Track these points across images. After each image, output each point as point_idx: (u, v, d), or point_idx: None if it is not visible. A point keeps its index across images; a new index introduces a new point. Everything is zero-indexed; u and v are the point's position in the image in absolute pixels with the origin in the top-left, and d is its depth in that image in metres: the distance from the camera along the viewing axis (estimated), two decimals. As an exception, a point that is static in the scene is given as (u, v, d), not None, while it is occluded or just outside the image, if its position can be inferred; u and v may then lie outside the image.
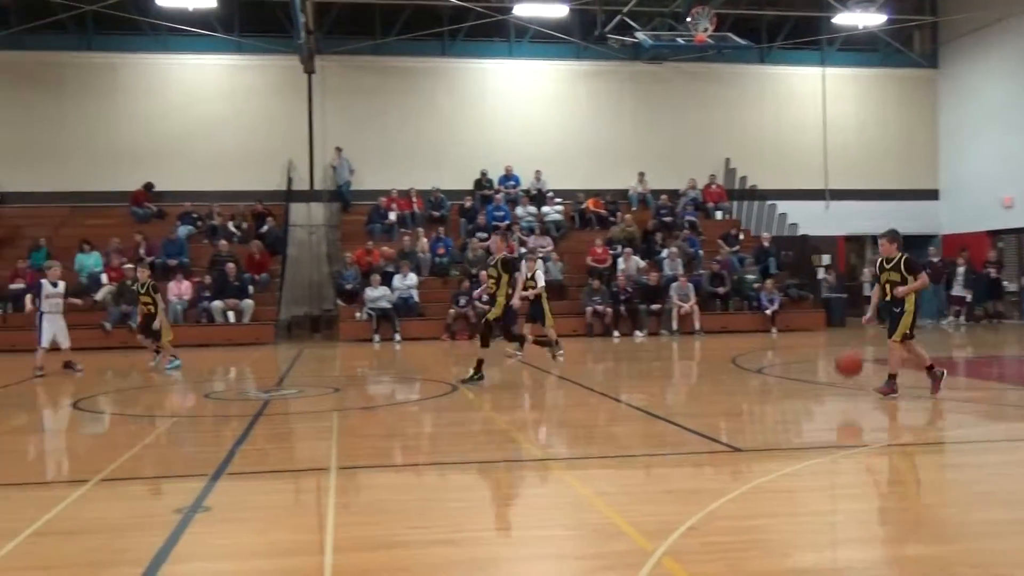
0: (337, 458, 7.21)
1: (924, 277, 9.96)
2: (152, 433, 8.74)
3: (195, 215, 23.37)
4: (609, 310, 21.26)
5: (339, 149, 24.78)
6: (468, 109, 25.95)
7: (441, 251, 22.81)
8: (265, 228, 23.18)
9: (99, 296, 20.03)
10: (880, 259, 10.13)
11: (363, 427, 9.31)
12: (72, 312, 18.15)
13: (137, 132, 24.43)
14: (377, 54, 25.45)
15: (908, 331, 9.81)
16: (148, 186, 24.05)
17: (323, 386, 12.44)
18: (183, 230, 22.63)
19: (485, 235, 23.10)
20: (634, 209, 25.73)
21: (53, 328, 14.15)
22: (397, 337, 20.58)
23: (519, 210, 24.61)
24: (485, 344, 11.99)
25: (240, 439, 8.13)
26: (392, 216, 24.05)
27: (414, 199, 24.61)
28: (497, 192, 24.99)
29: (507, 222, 23.87)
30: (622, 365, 16.24)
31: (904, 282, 9.75)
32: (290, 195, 24.81)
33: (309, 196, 25.12)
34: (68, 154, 24.05)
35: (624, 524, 5.13)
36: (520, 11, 23.71)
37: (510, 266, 11.84)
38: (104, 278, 20.46)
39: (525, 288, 13.42)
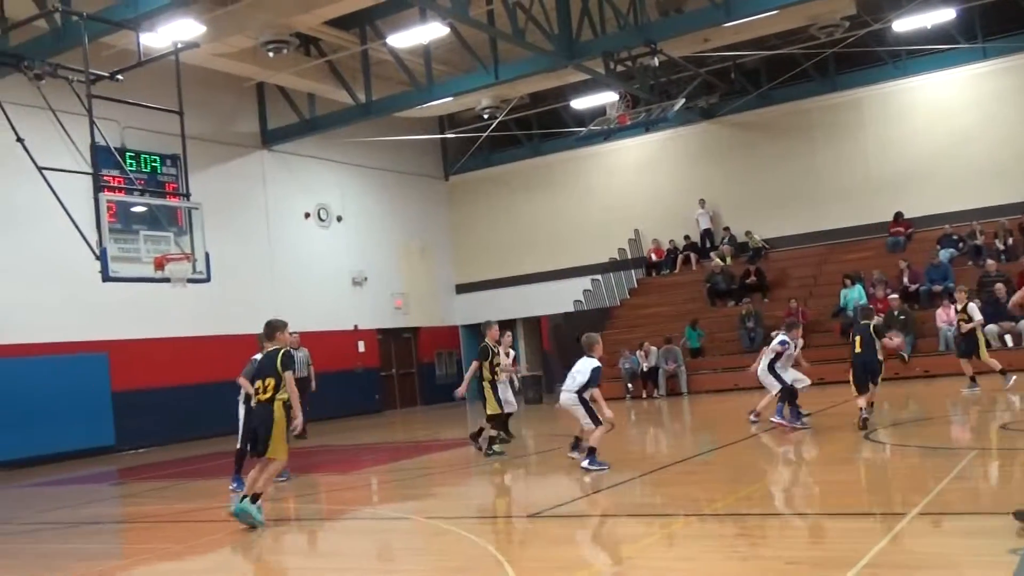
0: None
1: None
2: (955, 467, 8.44)
3: (955, 236, 22.44)
4: None
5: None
6: None
7: None
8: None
9: (868, 328, 20.30)
10: None
11: None
12: (843, 346, 18.73)
13: (885, 162, 24.51)
14: None
15: None
16: (898, 215, 23.92)
17: None
18: (944, 254, 21.87)
19: None
20: None
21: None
22: None
23: None
24: None
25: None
26: None
27: None
28: None
29: None
30: None
31: None
32: (1060, 202, 22.40)
33: (1084, 200, 22.38)
34: (822, 194, 25.14)
35: None
36: None
37: None
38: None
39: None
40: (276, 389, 8.22)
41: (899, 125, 24.52)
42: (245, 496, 8.25)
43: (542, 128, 28.90)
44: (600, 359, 10.45)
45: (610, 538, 6.95)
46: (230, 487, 11.05)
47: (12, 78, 15.92)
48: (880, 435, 11.33)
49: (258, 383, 8.37)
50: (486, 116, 25.72)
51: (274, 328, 8.58)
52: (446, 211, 30.55)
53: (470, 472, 11.80)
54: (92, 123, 13.59)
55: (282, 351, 8.38)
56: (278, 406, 8.22)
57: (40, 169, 14.09)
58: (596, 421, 10.18)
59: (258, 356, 12.13)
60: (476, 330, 14.27)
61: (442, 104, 23.83)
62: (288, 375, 8.23)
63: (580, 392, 10.16)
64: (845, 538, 6.05)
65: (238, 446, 11.15)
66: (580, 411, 10.26)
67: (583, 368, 10.25)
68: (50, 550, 8.76)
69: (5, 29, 15.63)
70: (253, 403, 8.69)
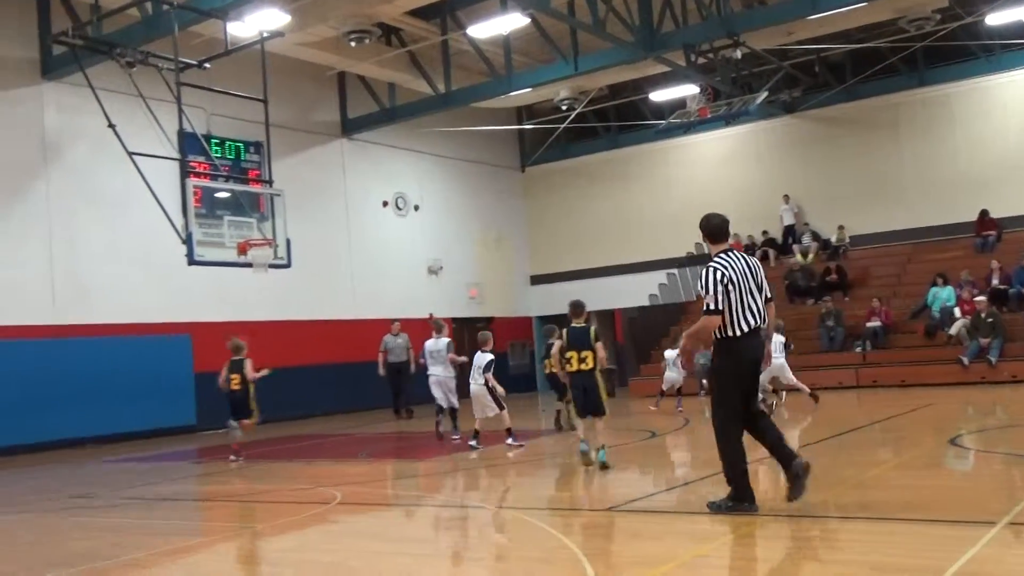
0: None
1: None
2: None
3: (1047, 238, 21.68)
4: None
5: None
6: None
7: None
8: None
9: (953, 331, 19.72)
10: None
11: None
12: (927, 347, 18.28)
13: (975, 158, 23.78)
14: None
15: None
16: (983, 213, 23.14)
17: None
18: (1035, 255, 21.13)
19: None
20: None
21: None
22: None
23: None
24: None
25: None
26: None
27: None
28: None
29: None
30: None
31: None
32: None
33: None
34: (907, 191, 24.50)
35: None
36: None
37: None
38: (957, 312, 20.12)
39: None
40: (595, 360, 9.76)
41: (990, 121, 23.77)
42: (599, 449, 9.88)
43: (620, 120, 28.71)
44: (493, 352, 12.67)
45: (687, 535, 6.87)
46: (457, 438, 13.89)
47: (104, 65, 16.39)
48: (965, 440, 11.02)
49: (572, 354, 9.83)
50: (564, 107, 25.64)
51: (582, 307, 10.15)
52: (522, 202, 30.57)
53: (543, 463, 11.81)
54: (180, 110, 13.95)
55: (592, 328, 9.91)
56: (599, 374, 9.81)
57: (130, 154, 14.51)
58: (500, 405, 12.43)
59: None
60: (550, 321, 15.16)
61: (521, 95, 23.84)
62: (599, 345, 9.81)
63: (486, 382, 12.40)
64: (929, 546, 5.88)
65: (456, 406, 14.45)
66: (488, 398, 12.43)
67: (480, 362, 12.44)
68: (131, 525, 9.01)
69: (99, 17, 16.09)
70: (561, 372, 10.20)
